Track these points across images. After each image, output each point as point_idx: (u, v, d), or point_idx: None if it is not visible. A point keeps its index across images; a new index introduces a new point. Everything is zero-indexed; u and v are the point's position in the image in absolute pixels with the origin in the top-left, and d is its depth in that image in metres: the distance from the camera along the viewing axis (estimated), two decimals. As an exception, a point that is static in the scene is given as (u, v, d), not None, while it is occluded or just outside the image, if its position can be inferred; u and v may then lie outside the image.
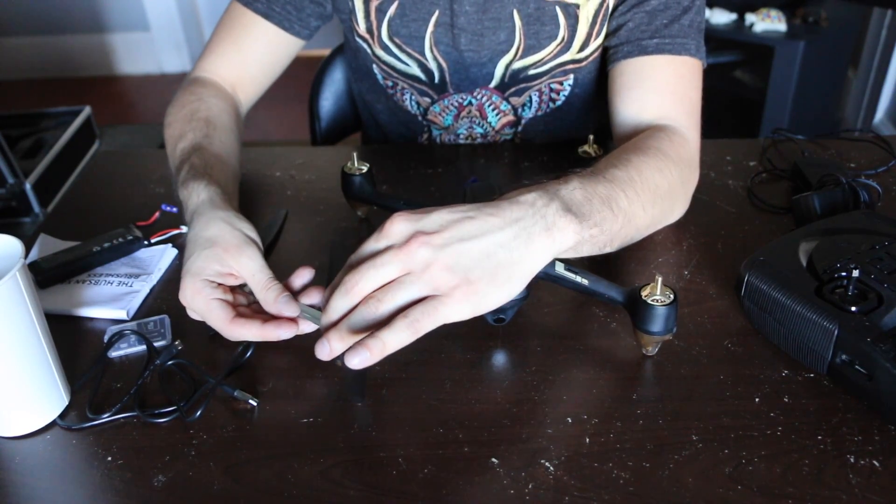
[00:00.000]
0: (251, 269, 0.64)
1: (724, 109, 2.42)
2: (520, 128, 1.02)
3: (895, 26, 2.26)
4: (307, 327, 0.64)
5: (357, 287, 0.56)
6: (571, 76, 0.96)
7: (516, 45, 0.92)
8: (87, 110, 2.23)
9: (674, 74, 0.83)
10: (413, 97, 1.00)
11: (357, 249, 0.59)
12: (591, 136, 0.93)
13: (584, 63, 0.94)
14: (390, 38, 0.93)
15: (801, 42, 2.12)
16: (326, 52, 1.26)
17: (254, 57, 0.94)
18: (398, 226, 0.57)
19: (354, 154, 0.81)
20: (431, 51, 0.93)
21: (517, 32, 0.91)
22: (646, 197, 0.68)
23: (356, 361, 0.53)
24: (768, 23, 2.18)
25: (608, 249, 0.66)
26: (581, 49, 0.92)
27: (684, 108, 0.83)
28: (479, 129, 1.02)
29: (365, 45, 0.97)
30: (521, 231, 0.57)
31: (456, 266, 0.54)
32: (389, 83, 1.00)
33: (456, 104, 0.99)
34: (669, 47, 0.83)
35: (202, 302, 0.64)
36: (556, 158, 0.95)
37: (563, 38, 0.91)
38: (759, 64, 2.28)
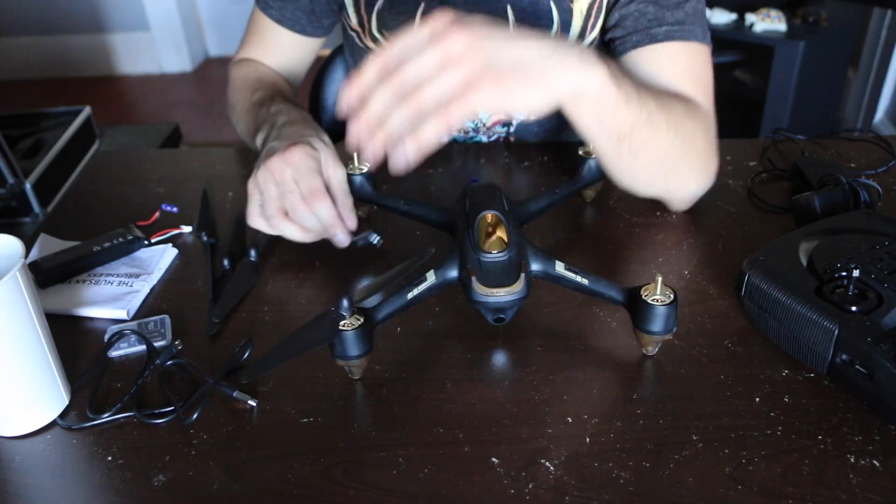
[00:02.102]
0: (342, 177, 0.76)
1: (724, 109, 2.40)
2: (512, 128, 1.02)
3: (895, 26, 2.26)
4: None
5: (400, 76, 0.55)
6: None
7: None
8: (87, 110, 2.23)
9: (687, 60, 0.83)
10: None
11: (390, 45, 0.57)
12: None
13: None
14: (379, 31, 0.94)
15: (801, 42, 2.12)
16: (326, 52, 1.26)
17: (279, 60, 1.01)
18: (443, 17, 0.56)
19: (354, 154, 0.81)
20: None
21: (510, 29, 0.91)
22: (671, 119, 0.69)
23: (401, 163, 0.56)
24: (768, 23, 2.18)
25: (625, 146, 0.67)
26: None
27: (704, 92, 0.82)
28: (471, 123, 1.02)
29: (358, 40, 0.98)
30: (557, 50, 0.59)
31: (490, 59, 0.55)
32: None
33: None
34: (679, 34, 0.82)
35: (310, 162, 0.72)
36: (556, 158, 0.95)
37: (556, 34, 0.91)
38: (759, 64, 2.27)
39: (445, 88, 0.55)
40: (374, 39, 0.95)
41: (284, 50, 1.00)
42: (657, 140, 0.69)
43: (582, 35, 0.91)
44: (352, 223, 0.75)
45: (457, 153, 0.98)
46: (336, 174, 0.75)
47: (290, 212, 0.72)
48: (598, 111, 0.63)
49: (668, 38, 0.82)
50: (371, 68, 0.56)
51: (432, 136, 0.55)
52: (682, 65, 0.83)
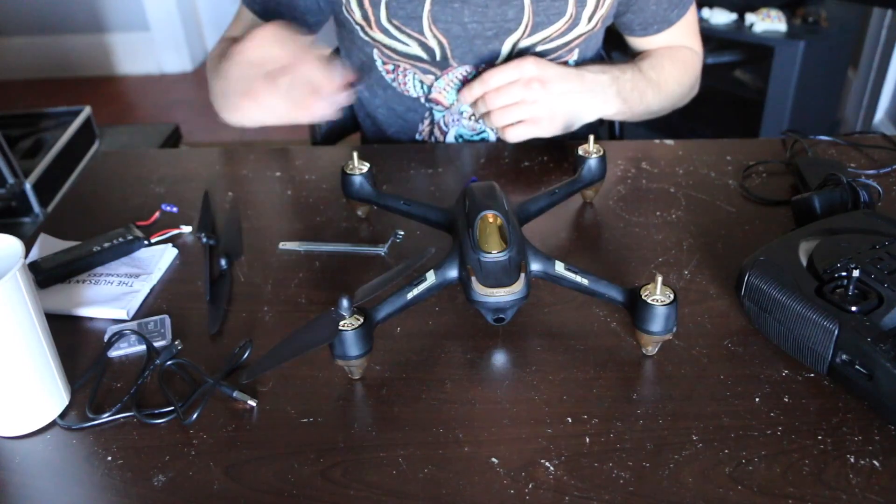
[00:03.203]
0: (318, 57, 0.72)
1: (724, 109, 2.42)
2: None
3: (895, 26, 2.26)
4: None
5: (492, 102, 0.86)
6: (576, 52, 1.00)
7: (525, 22, 0.93)
8: (87, 110, 2.23)
9: (689, 23, 1.04)
10: (416, 76, 1.01)
11: (495, 70, 0.86)
12: (592, 136, 0.93)
13: (587, 34, 0.98)
14: (389, 21, 0.94)
15: (801, 42, 2.12)
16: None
17: None
18: (529, 67, 0.85)
19: (354, 154, 0.81)
20: (430, 29, 0.94)
21: (525, 10, 0.92)
22: (663, 95, 1.00)
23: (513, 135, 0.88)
24: (768, 23, 2.18)
25: (631, 119, 0.99)
26: (589, 21, 0.96)
27: (696, 36, 1.07)
28: (476, 117, 1.02)
29: (363, 34, 0.97)
30: (592, 98, 0.90)
31: (551, 106, 0.86)
32: (389, 67, 1.01)
33: (460, 77, 0.99)
34: (685, 10, 1.02)
35: (283, 33, 0.71)
36: (556, 158, 0.95)
37: (570, 15, 0.94)
38: (759, 64, 2.27)
39: (516, 118, 0.86)
40: (384, 30, 0.95)
41: None
42: (653, 109, 1.00)
43: (594, 13, 0.95)
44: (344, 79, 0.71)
45: (457, 153, 0.98)
46: (310, 56, 0.72)
47: (274, 78, 0.70)
48: (612, 116, 0.95)
49: (679, 17, 1.02)
50: (477, 88, 0.87)
51: (517, 139, 0.88)
52: (687, 28, 1.05)
